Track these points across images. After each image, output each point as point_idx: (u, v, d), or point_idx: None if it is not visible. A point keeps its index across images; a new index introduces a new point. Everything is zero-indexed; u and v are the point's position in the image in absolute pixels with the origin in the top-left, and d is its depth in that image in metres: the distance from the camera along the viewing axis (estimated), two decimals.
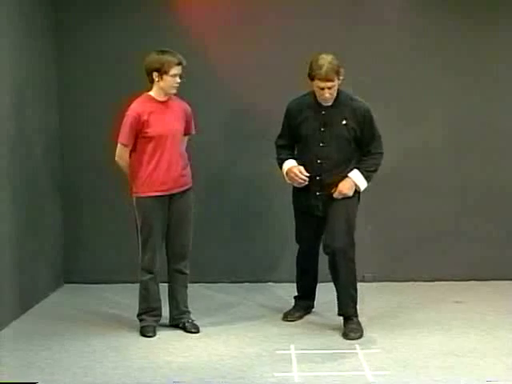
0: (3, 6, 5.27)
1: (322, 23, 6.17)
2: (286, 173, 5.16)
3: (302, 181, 5.08)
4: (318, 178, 5.09)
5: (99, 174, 6.20)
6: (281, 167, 5.24)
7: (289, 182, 5.19)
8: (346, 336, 5.02)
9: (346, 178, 5.06)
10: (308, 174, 5.06)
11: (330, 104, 5.03)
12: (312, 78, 4.95)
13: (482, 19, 6.24)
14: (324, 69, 4.87)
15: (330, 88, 4.93)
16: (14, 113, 5.43)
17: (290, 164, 5.16)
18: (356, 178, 5.07)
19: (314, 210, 5.15)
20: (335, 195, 5.05)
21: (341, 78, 4.97)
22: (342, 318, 5.15)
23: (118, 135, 5.01)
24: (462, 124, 6.31)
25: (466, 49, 6.26)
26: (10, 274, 5.33)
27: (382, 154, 5.14)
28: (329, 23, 6.18)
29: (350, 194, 5.06)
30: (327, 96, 4.96)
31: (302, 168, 5.08)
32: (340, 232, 5.05)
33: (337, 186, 5.05)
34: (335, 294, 5.15)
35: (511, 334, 5.05)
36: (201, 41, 6.19)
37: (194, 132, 5.27)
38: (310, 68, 4.94)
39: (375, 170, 5.14)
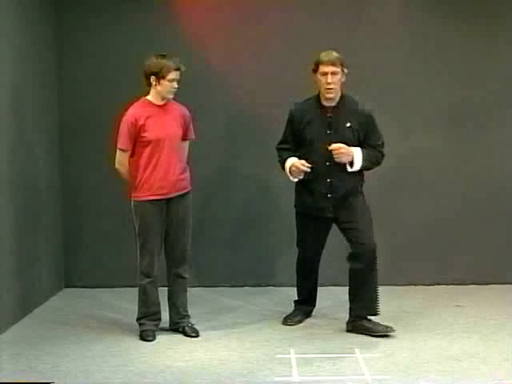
0: (3, 7, 5.26)
1: (322, 23, 6.19)
2: (289, 168, 5.15)
3: (306, 168, 5.05)
4: (328, 180, 5.10)
5: (99, 177, 6.20)
6: (283, 167, 5.23)
7: (292, 178, 5.17)
8: (380, 332, 5.04)
9: (349, 147, 5.04)
10: (310, 165, 5.05)
11: (332, 95, 5.05)
12: (316, 65, 5.04)
13: (483, 19, 6.26)
14: (329, 55, 5.02)
15: (333, 74, 4.99)
16: (14, 113, 5.43)
17: (292, 160, 5.16)
18: (356, 153, 5.05)
19: (324, 212, 5.14)
20: (332, 146, 4.98)
21: (345, 70, 5.05)
22: (362, 319, 5.14)
23: (116, 141, 5.01)
24: (462, 126, 6.31)
25: (467, 49, 6.28)
26: (10, 278, 5.32)
27: (383, 155, 5.18)
28: (330, 25, 6.19)
29: (343, 159, 5.00)
30: (330, 82, 4.99)
31: (303, 161, 5.07)
32: (371, 231, 5.11)
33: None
34: (335, 298, 5.17)
35: None
36: (201, 42, 6.20)
37: (193, 137, 5.25)
38: (315, 59, 5.05)
39: (375, 163, 5.15)
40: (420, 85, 6.28)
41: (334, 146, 4.99)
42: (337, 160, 5.01)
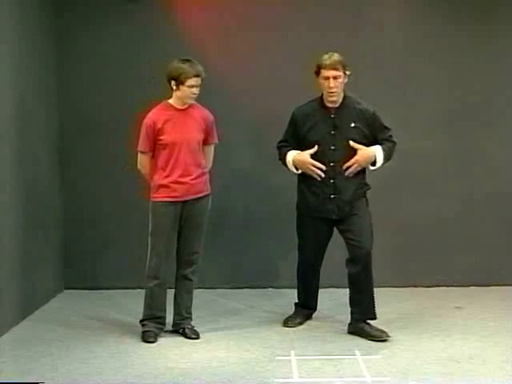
0: (3, 7, 5.25)
1: (322, 24, 6.19)
2: (299, 162, 5.14)
3: (319, 171, 5.08)
4: (331, 181, 5.10)
5: (100, 179, 6.19)
6: (284, 161, 5.24)
7: (295, 171, 5.19)
8: (377, 338, 5.02)
9: (368, 148, 5.07)
10: (320, 165, 5.07)
11: (335, 98, 5.06)
12: (318, 69, 5.04)
13: (483, 19, 6.25)
14: (330, 59, 5.01)
15: (335, 78, 5.00)
16: (15, 114, 5.42)
17: (293, 153, 5.17)
18: (378, 151, 5.08)
19: (328, 213, 5.15)
20: (347, 164, 5.04)
21: (347, 72, 5.06)
22: (361, 323, 5.14)
23: (137, 143, 5.06)
24: (462, 126, 6.31)
25: (467, 49, 6.28)
26: (11, 280, 5.32)
27: (395, 143, 5.21)
28: (330, 25, 6.20)
29: (364, 165, 5.08)
30: (332, 86, 5.00)
31: (314, 162, 5.07)
32: (369, 235, 5.13)
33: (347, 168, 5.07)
34: (335, 300, 5.17)
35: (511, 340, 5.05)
36: (201, 42, 6.19)
37: (216, 141, 5.25)
38: (317, 62, 5.05)
39: (391, 155, 5.19)
40: (420, 85, 6.28)
41: (346, 165, 5.04)
42: (359, 169, 5.07)
